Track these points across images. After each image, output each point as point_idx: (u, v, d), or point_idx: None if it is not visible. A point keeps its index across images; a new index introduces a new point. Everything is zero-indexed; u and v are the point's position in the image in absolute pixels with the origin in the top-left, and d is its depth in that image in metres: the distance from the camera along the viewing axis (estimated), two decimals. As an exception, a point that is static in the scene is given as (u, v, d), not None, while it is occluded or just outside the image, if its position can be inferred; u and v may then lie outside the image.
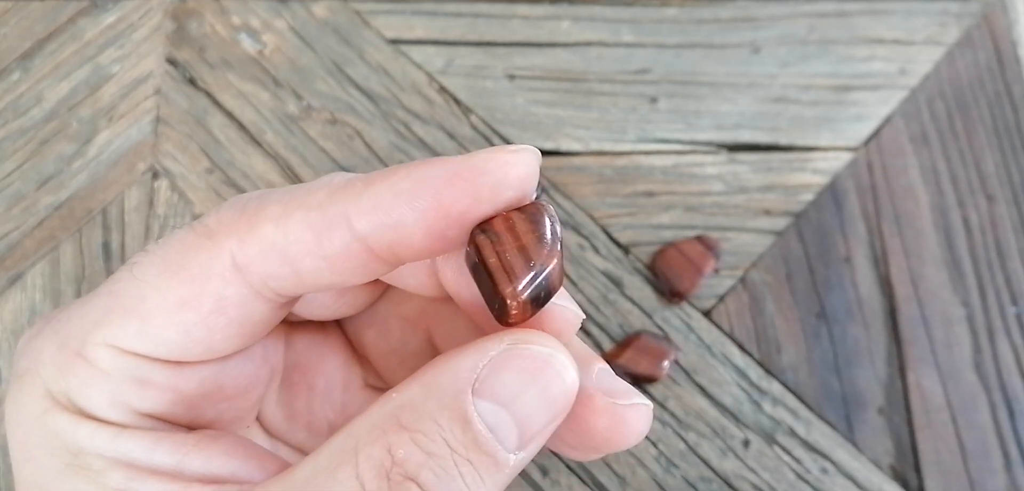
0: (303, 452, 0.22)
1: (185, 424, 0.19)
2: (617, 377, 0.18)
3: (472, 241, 0.16)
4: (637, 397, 0.17)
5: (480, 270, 0.15)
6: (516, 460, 0.16)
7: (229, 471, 0.17)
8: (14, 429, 0.18)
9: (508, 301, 0.15)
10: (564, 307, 0.17)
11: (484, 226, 0.15)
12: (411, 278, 0.19)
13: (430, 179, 0.15)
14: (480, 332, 0.18)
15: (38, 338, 0.18)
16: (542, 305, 0.16)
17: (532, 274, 0.15)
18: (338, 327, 0.23)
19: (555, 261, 0.15)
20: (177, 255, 0.17)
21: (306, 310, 0.21)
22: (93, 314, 0.17)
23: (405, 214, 0.16)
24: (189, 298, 0.17)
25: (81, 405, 0.17)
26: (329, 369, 0.23)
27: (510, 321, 0.15)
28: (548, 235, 0.15)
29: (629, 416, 0.17)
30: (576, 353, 0.17)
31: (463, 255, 0.17)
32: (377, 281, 0.20)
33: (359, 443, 0.15)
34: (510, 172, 0.16)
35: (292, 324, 0.22)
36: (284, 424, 0.22)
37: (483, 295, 0.16)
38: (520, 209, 0.16)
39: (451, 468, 0.15)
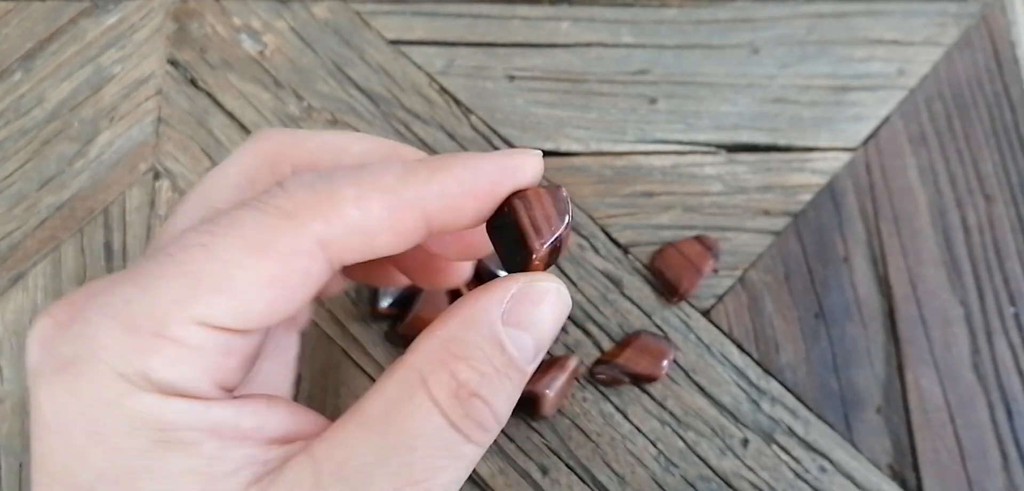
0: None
1: (239, 389, 0.20)
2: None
3: (508, 203, 0.20)
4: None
5: (507, 227, 0.20)
6: (532, 367, 0.20)
7: (297, 428, 0.19)
8: (75, 417, 0.18)
9: (533, 252, 0.19)
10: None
11: (520, 194, 0.20)
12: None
13: (485, 174, 0.20)
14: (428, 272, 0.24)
15: (82, 324, 0.18)
16: (553, 261, 0.20)
17: (553, 235, 0.20)
18: None
19: (567, 230, 0.20)
20: (259, 235, 0.18)
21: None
22: (169, 294, 0.18)
23: (466, 202, 0.20)
24: (278, 275, 0.19)
25: (169, 383, 0.18)
26: None
27: (530, 267, 0.20)
28: (565, 211, 0.20)
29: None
30: None
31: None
32: None
33: (423, 373, 0.19)
34: (532, 169, 0.20)
35: None
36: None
37: (502, 246, 0.20)
38: (546, 188, 0.20)
39: (497, 382, 0.19)
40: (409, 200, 0.19)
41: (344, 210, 0.19)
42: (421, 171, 0.19)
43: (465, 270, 0.26)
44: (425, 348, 0.19)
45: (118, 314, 0.18)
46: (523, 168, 0.20)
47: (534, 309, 0.20)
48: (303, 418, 0.20)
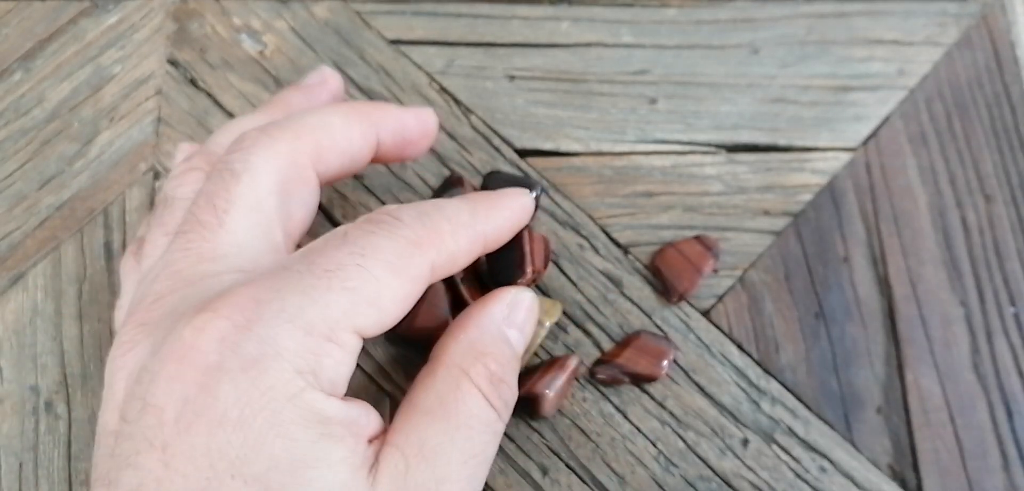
0: None
1: None
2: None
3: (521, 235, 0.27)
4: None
5: (510, 246, 0.27)
6: (521, 358, 0.26)
7: (378, 426, 0.23)
8: (254, 413, 0.20)
9: (525, 274, 0.27)
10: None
11: (528, 228, 0.27)
12: None
13: (526, 211, 0.27)
14: None
15: (264, 326, 0.21)
16: (529, 285, 0.27)
17: (542, 264, 0.28)
18: None
19: (545, 269, 0.28)
20: (397, 259, 0.22)
21: None
22: (337, 304, 0.21)
23: (510, 233, 0.27)
24: (408, 294, 0.23)
25: (331, 382, 0.21)
26: None
27: (516, 282, 0.27)
28: (549, 258, 0.29)
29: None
30: None
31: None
32: None
33: (463, 367, 0.24)
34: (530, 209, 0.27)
35: None
36: None
37: (503, 260, 0.27)
38: (540, 235, 0.28)
39: (510, 369, 0.25)
40: (480, 234, 0.25)
41: (445, 242, 0.24)
42: (481, 208, 0.25)
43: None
44: (457, 348, 0.24)
45: (294, 319, 0.21)
46: (527, 208, 0.27)
47: (520, 314, 0.26)
48: (377, 419, 0.23)
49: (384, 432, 0.23)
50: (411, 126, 0.28)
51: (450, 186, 0.32)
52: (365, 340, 0.22)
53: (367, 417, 0.22)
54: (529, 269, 0.27)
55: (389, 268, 0.22)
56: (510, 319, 0.26)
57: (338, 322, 0.21)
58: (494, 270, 0.28)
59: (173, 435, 0.20)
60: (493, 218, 0.25)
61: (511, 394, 0.25)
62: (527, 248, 0.27)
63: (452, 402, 0.23)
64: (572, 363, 0.29)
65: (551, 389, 0.28)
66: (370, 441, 0.22)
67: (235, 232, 0.23)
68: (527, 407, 0.28)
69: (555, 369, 0.28)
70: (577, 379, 0.30)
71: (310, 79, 0.31)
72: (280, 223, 0.25)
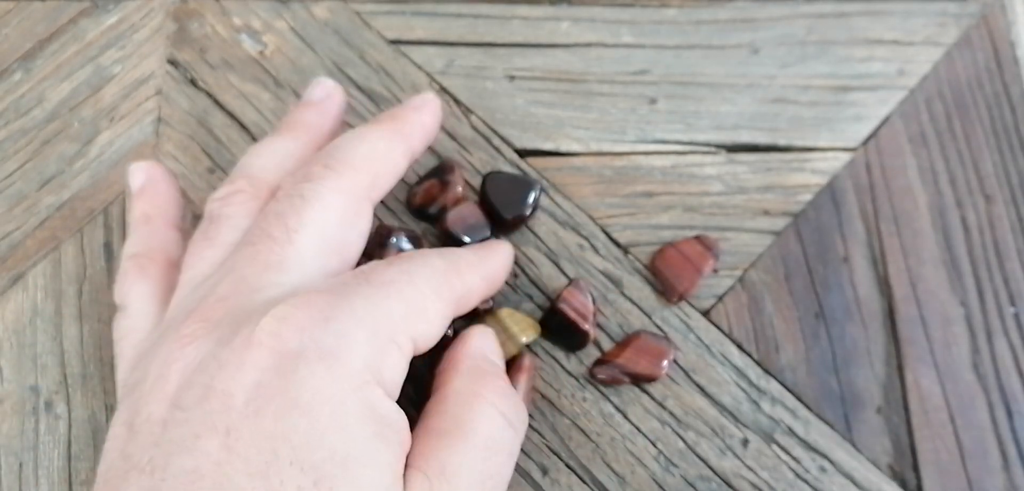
0: None
1: None
2: None
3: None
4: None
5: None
6: None
7: (408, 436, 0.24)
8: (324, 401, 0.21)
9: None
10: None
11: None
12: None
13: (509, 261, 0.29)
14: None
15: (341, 322, 0.22)
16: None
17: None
18: None
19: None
20: (440, 281, 0.25)
21: None
22: (397, 310, 0.23)
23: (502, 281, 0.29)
24: (446, 316, 0.25)
25: (389, 382, 0.23)
26: None
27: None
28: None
29: None
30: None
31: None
32: None
33: (475, 388, 0.25)
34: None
35: None
36: None
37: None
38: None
39: (506, 386, 0.26)
40: (487, 273, 0.28)
41: (466, 276, 0.26)
42: (481, 253, 0.28)
43: None
44: (463, 372, 0.26)
45: (363, 320, 0.23)
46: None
47: (493, 345, 0.28)
48: (408, 433, 0.24)
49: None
50: (430, 128, 0.30)
51: (442, 173, 0.32)
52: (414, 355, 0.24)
53: (407, 428, 0.23)
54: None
55: (432, 288, 0.25)
56: (488, 349, 0.27)
57: (398, 327, 0.23)
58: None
59: (240, 419, 0.20)
60: (491, 262, 0.28)
61: (524, 411, 0.26)
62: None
63: (469, 424, 0.24)
64: (527, 363, 0.29)
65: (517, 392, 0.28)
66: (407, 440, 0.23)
67: (301, 250, 0.25)
68: None
69: (512, 373, 0.28)
70: (577, 379, 0.30)
71: (315, 93, 0.32)
72: (338, 251, 0.26)
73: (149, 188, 0.30)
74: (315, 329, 0.22)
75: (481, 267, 0.27)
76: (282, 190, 0.27)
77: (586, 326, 0.29)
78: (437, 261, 0.26)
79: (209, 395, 0.21)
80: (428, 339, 0.24)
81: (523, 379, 0.28)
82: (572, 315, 0.29)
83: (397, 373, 0.23)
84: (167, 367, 0.22)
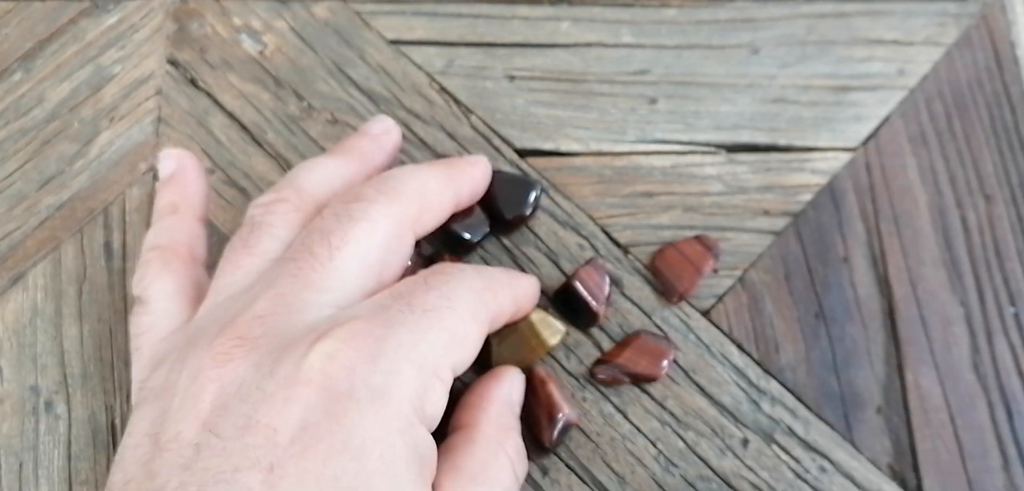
0: None
1: None
2: None
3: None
4: None
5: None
6: None
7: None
8: (376, 442, 0.21)
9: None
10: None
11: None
12: None
13: (535, 290, 0.29)
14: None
15: (388, 360, 0.22)
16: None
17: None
18: None
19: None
20: (474, 305, 0.24)
21: None
22: (439, 342, 0.23)
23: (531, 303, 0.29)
24: (481, 339, 0.25)
25: (432, 416, 0.23)
26: None
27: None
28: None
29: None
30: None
31: None
32: None
33: (500, 438, 0.25)
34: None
35: None
36: None
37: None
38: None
39: (521, 444, 0.26)
40: (515, 296, 0.27)
41: (499, 295, 0.26)
42: (511, 275, 0.28)
43: None
44: (493, 419, 0.26)
45: (409, 355, 0.22)
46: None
47: (520, 393, 0.28)
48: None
49: None
50: (479, 186, 0.30)
51: None
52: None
53: (435, 456, 0.23)
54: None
55: (470, 312, 0.24)
56: (516, 398, 0.27)
57: (440, 359, 0.23)
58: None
59: (285, 456, 0.20)
60: (521, 284, 0.28)
61: (525, 469, 0.27)
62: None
63: (491, 471, 0.24)
64: (547, 375, 0.29)
65: None
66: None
67: (343, 270, 0.24)
68: None
69: (540, 387, 0.28)
70: (577, 379, 0.30)
71: (374, 127, 0.31)
72: (378, 274, 0.26)
73: (179, 176, 0.29)
74: (365, 369, 0.21)
75: (513, 289, 0.27)
76: (329, 208, 0.26)
77: (596, 306, 0.29)
78: (475, 281, 0.25)
79: (251, 427, 0.20)
80: (466, 365, 0.24)
81: (554, 388, 0.28)
82: (584, 293, 0.29)
83: (439, 407, 0.23)
84: (199, 385, 0.22)
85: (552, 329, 0.29)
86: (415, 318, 0.23)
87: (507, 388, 0.27)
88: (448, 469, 0.24)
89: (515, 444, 0.26)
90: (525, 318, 0.28)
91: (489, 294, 0.25)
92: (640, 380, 0.29)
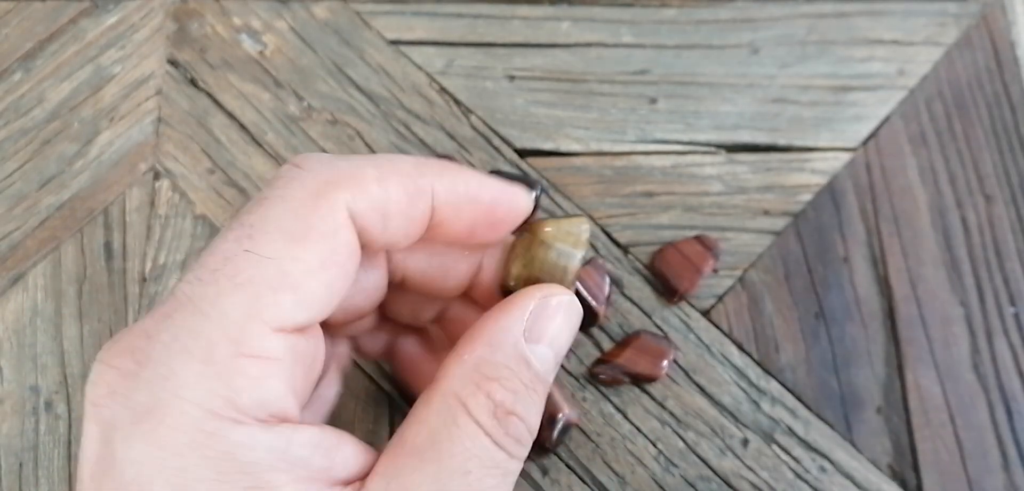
0: None
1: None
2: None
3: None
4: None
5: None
6: (553, 377, 0.21)
7: (360, 467, 0.19)
8: (157, 470, 0.17)
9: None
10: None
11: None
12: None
13: (488, 187, 0.21)
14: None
15: (154, 366, 0.17)
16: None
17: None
18: None
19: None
20: (297, 221, 0.18)
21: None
22: (236, 309, 0.17)
23: (467, 206, 0.21)
24: (327, 254, 0.18)
25: (258, 402, 0.17)
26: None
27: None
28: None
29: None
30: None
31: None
32: None
33: (461, 397, 0.19)
34: (527, 203, 0.22)
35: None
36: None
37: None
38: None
39: (527, 397, 0.20)
40: (423, 187, 0.20)
41: (368, 187, 0.19)
42: (434, 165, 0.20)
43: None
44: (457, 372, 0.20)
45: (189, 346, 0.17)
46: (519, 197, 0.22)
47: (551, 323, 0.21)
48: (365, 457, 0.19)
49: (368, 468, 0.19)
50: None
51: None
52: (302, 331, 0.19)
53: (331, 451, 0.18)
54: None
55: (290, 236, 0.18)
56: (533, 331, 0.20)
57: (243, 329, 0.17)
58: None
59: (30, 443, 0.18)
60: (448, 176, 0.21)
61: (525, 429, 0.20)
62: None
63: (445, 442, 0.19)
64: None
65: None
66: (345, 484, 0.19)
67: None
68: None
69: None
70: (577, 379, 0.30)
71: None
72: None
73: None
74: (126, 387, 0.18)
75: (419, 173, 0.21)
76: None
77: (596, 306, 0.29)
78: (307, 180, 0.19)
79: (78, 463, 0.18)
80: (309, 307, 0.18)
81: (554, 388, 0.27)
82: (584, 293, 0.27)
83: (269, 384, 0.18)
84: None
85: (574, 238, 0.22)
86: (199, 290, 0.18)
87: (500, 325, 0.20)
88: (392, 444, 0.19)
89: (489, 403, 0.19)
90: (534, 231, 0.23)
91: (339, 185, 0.19)
92: (640, 380, 0.29)
